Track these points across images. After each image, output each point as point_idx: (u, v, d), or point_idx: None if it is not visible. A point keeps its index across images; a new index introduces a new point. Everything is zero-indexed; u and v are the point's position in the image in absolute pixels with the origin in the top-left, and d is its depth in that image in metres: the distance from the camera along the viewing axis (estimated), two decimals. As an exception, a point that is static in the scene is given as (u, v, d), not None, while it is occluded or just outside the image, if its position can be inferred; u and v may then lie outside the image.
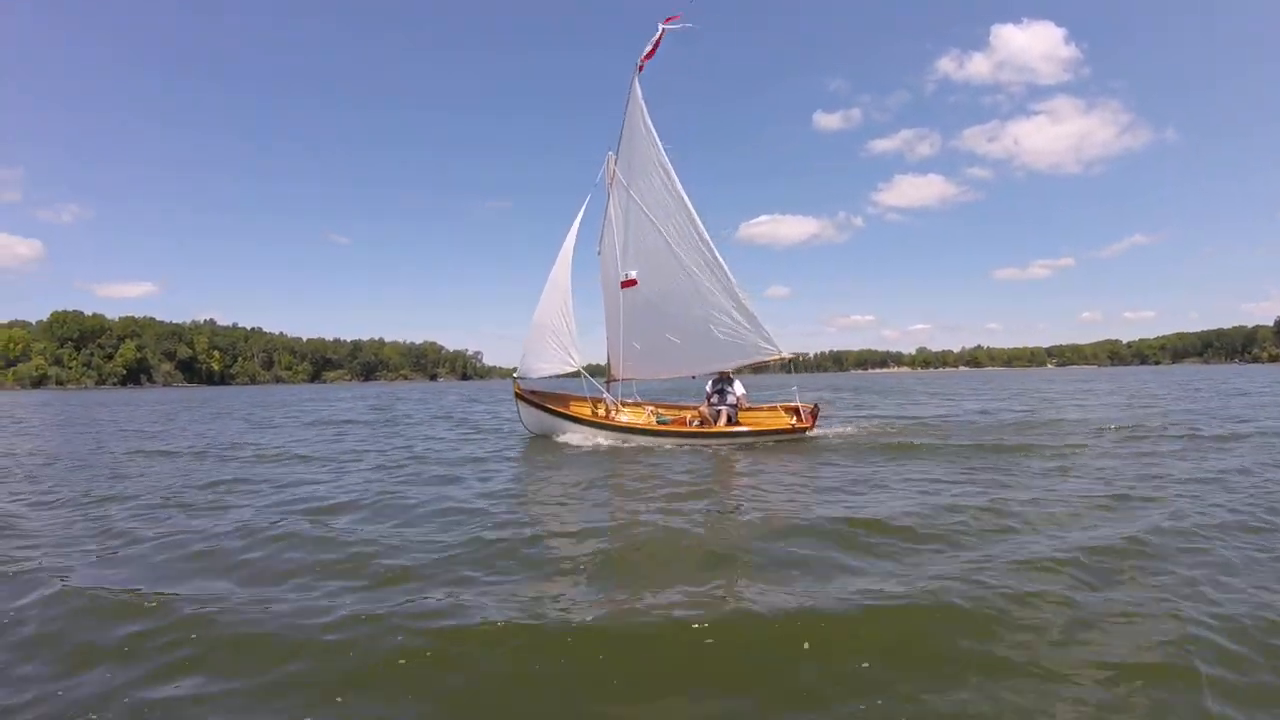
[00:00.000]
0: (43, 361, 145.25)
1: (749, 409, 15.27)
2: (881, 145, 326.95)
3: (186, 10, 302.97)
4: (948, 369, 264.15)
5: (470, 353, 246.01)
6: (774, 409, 15.30)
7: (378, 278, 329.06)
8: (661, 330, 15.26)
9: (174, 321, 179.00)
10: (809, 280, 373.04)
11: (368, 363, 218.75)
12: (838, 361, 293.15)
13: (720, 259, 14.84)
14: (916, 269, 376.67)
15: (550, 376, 15.68)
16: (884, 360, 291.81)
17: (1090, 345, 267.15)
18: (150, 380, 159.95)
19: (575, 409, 15.44)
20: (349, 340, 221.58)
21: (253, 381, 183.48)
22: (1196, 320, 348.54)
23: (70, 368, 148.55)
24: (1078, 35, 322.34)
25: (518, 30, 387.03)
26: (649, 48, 15.11)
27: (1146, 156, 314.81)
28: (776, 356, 15.10)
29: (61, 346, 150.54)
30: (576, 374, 15.47)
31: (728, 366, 15.11)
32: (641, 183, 15.21)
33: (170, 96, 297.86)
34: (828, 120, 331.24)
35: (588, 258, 16.06)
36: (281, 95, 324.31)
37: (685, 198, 14.91)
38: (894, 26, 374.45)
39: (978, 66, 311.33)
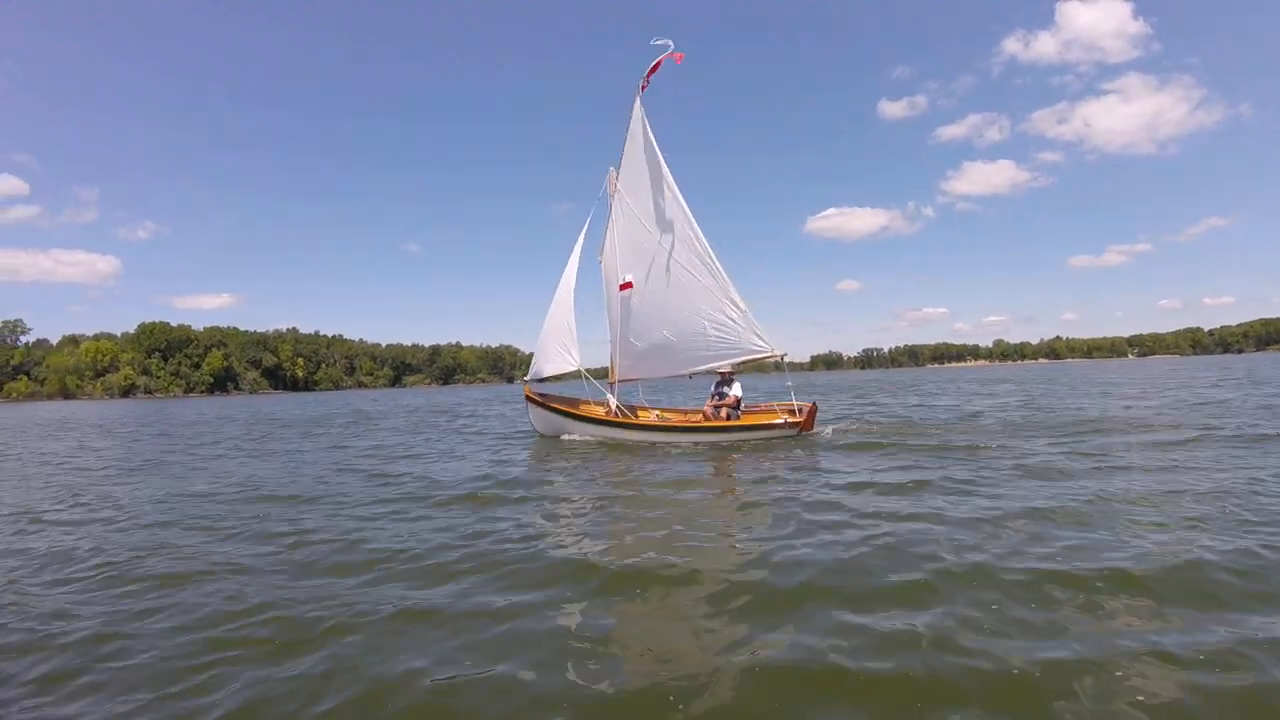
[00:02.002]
0: (131, 371, 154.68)
1: (748, 409, 16.19)
2: (949, 132, 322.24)
3: (258, 34, 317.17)
4: (1026, 361, 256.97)
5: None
6: (770, 409, 16.18)
7: (451, 284, 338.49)
8: (659, 328, 16.48)
9: (256, 330, 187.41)
10: (879, 273, 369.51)
11: (446, 367, 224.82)
12: (913, 356, 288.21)
13: (717, 261, 16.00)
14: (989, 259, 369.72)
15: (554, 377, 16.97)
16: (960, 354, 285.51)
17: (1171, 334, 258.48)
18: (236, 388, 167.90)
19: (585, 411, 16.68)
20: (427, 345, 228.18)
21: (336, 387, 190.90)
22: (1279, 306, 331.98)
23: (158, 377, 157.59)
24: (1146, 9, 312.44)
25: (578, 39, 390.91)
26: (648, 74, 16.45)
27: (1221, 134, 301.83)
28: (769, 355, 16.06)
29: (149, 357, 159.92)
30: (577, 374, 16.71)
31: (722, 364, 16.19)
32: (642, 193, 16.48)
33: (242, 118, 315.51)
34: (893, 109, 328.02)
35: (595, 266, 17.25)
36: (350, 115, 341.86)
37: (683, 204, 16.15)
38: (956, 8, 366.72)
39: (1044, 46, 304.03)
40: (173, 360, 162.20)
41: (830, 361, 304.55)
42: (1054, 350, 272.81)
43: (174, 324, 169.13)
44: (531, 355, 17.68)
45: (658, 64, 16.40)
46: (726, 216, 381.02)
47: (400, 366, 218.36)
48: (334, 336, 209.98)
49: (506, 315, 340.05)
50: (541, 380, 17.37)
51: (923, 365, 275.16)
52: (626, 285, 16.60)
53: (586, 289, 17.37)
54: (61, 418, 45.74)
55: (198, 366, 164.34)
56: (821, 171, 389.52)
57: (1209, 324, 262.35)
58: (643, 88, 16.62)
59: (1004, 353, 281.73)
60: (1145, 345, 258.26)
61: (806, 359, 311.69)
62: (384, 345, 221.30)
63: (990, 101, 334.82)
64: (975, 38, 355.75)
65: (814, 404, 16.19)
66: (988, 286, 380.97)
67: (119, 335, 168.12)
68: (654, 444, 15.29)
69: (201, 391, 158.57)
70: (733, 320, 15.97)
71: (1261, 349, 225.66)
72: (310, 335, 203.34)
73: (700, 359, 16.35)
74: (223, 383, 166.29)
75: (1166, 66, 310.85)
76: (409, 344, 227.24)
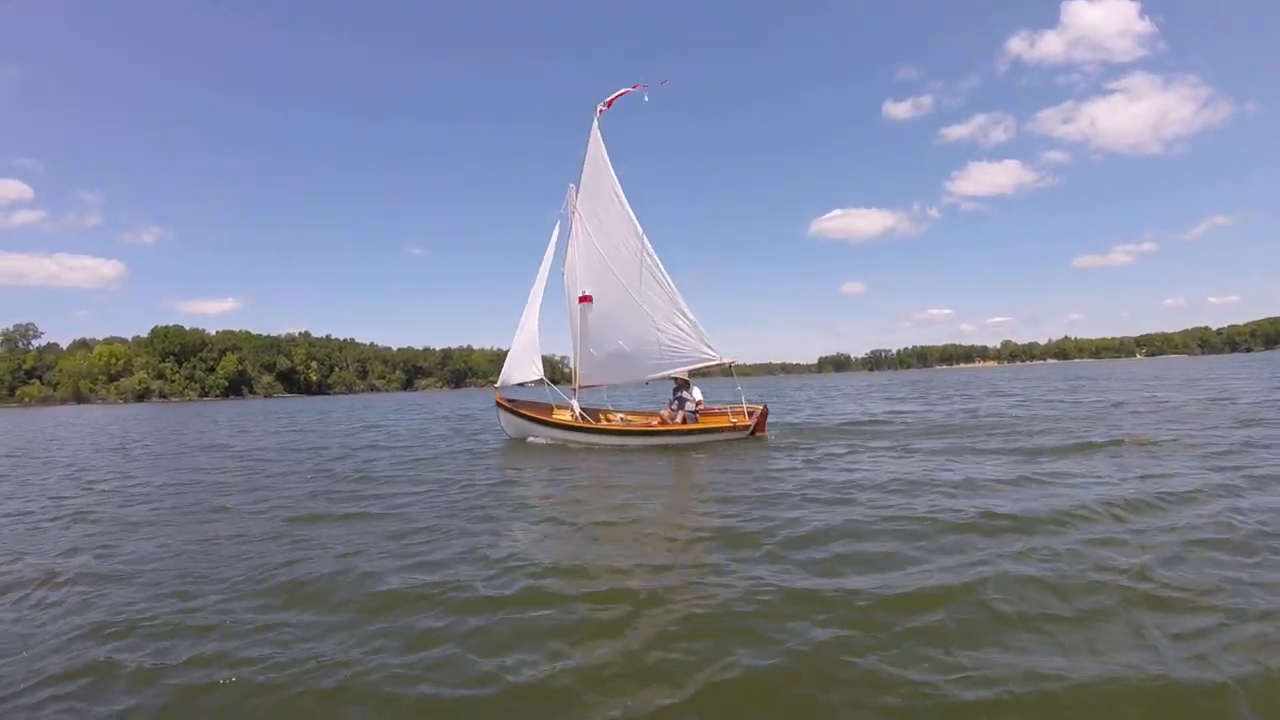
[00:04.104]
0: (145, 375, 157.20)
1: (705, 411, 17.36)
2: (954, 132, 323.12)
3: (260, 37, 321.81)
4: (1035, 362, 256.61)
5: (558, 358, 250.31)
6: (723, 412, 17.34)
7: (457, 287, 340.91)
8: (615, 339, 17.81)
9: (268, 334, 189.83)
10: (885, 275, 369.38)
11: (457, 370, 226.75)
12: (921, 358, 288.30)
13: (665, 274, 17.37)
14: (994, 260, 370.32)
15: (521, 384, 18.24)
16: (968, 355, 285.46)
17: (1180, 333, 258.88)
18: (251, 391, 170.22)
19: (557, 417, 17.91)
20: (438, 349, 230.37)
21: (349, 391, 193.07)
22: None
23: (173, 381, 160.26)
24: (1151, 8, 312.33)
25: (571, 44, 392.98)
26: (610, 99, 17.71)
27: (1227, 132, 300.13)
28: (716, 362, 17.31)
29: (163, 360, 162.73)
30: (541, 382, 17.96)
31: (675, 371, 17.46)
32: (598, 210, 17.81)
33: (245, 122, 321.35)
34: (898, 109, 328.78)
35: (561, 280, 18.51)
36: (351, 117, 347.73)
37: (635, 221, 17.50)
38: (960, 8, 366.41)
39: (1050, 45, 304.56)
40: (187, 364, 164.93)
41: (839, 363, 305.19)
42: (1063, 351, 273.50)
43: (188, 328, 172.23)
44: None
45: (621, 94, 17.75)
46: (731, 218, 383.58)
47: (412, 370, 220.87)
48: (346, 340, 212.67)
49: (516, 318, 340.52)
50: (520, 386, 18.70)
51: (931, 366, 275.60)
52: (585, 299, 17.90)
53: (555, 302, 18.75)
54: (116, 426, 39.49)
55: (212, 370, 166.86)
56: (826, 172, 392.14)
57: (1214, 323, 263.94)
58: (600, 111, 17.88)
59: (1012, 354, 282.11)
60: (1154, 345, 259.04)
61: (814, 360, 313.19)
62: (395, 349, 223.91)
63: (996, 101, 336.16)
64: (980, 37, 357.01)
65: (765, 407, 17.39)
66: (992, 288, 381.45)
67: (130, 339, 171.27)
68: (617, 446, 16.57)
69: (216, 395, 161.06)
70: (682, 330, 17.23)
71: (1270, 348, 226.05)
72: (323, 339, 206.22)
73: (654, 367, 17.59)
74: (237, 386, 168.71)
75: (1172, 65, 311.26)
76: (420, 347, 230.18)
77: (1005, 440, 14.54)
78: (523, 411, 18.14)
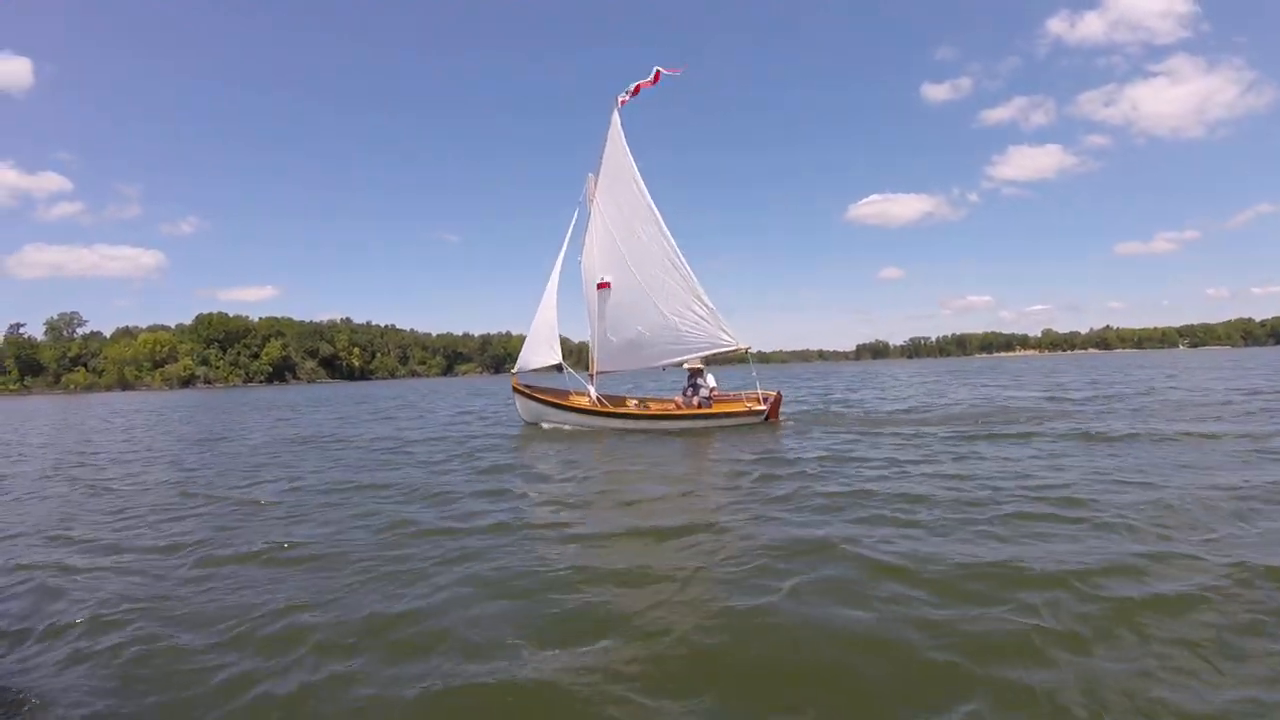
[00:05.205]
0: (190, 362, 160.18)
1: (720, 397, 17.65)
2: (994, 115, 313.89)
3: (296, 32, 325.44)
4: (1076, 351, 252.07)
5: (575, 342, 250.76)
6: (738, 398, 17.61)
7: (492, 273, 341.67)
8: (633, 325, 18.15)
9: (310, 320, 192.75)
10: (923, 261, 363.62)
11: (497, 356, 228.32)
12: (960, 345, 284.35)
13: (684, 261, 17.67)
14: (1034, 246, 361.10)
15: (538, 369, 18.63)
16: (1009, 343, 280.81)
17: (1222, 324, 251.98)
18: (295, 377, 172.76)
19: (572, 402, 18.31)
20: (477, 335, 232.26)
21: (391, 376, 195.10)
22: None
23: (218, 367, 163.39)
24: None
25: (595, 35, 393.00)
26: (630, 91, 17.97)
27: (1273, 117, 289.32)
28: (733, 348, 17.55)
29: (207, 347, 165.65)
30: (559, 367, 18.33)
31: (692, 357, 17.75)
32: (618, 198, 18.11)
33: (282, 117, 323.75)
34: (936, 91, 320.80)
35: (579, 267, 18.85)
36: (383, 110, 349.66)
37: (654, 209, 17.80)
38: None
39: (1090, 26, 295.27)
40: (231, 350, 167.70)
41: (877, 350, 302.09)
42: (1104, 340, 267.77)
43: (231, 314, 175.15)
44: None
45: (641, 85, 18.02)
46: (765, 205, 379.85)
47: (452, 355, 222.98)
48: (387, 326, 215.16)
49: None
50: (534, 371, 19.10)
51: (970, 354, 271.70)
52: (604, 285, 18.25)
53: (573, 288, 19.15)
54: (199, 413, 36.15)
55: (256, 356, 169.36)
56: (862, 157, 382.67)
57: (1258, 314, 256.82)
58: (621, 102, 18.17)
59: (1053, 342, 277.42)
60: (1196, 336, 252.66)
61: (851, 348, 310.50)
62: (435, 335, 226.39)
63: (1036, 83, 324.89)
64: (1019, 17, 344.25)
65: (779, 393, 17.61)
66: (1032, 275, 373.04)
67: (173, 327, 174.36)
68: (633, 430, 16.93)
69: (260, 381, 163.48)
70: (700, 317, 17.53)
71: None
72: (364, 325, 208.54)
73: (672, 353, 17.91)
74: (281, 372, 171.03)
75: (1215, 47, 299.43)
76: (460, 333, 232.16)
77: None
78: (538, 396, 18.58)
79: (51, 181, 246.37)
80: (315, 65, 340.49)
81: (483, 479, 10.82)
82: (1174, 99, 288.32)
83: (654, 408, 18.49)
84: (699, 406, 17.36)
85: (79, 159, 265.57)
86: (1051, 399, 22.34)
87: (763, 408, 17.10)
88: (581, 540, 6.96)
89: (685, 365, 17.98)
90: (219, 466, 13.62)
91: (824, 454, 12.04)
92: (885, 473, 9.98)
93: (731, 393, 18.06)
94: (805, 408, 22.23)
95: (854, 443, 13.53)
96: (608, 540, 7.01)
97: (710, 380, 17.78)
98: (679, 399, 17.99)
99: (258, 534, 7.57)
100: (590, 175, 18.58)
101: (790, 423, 17.62)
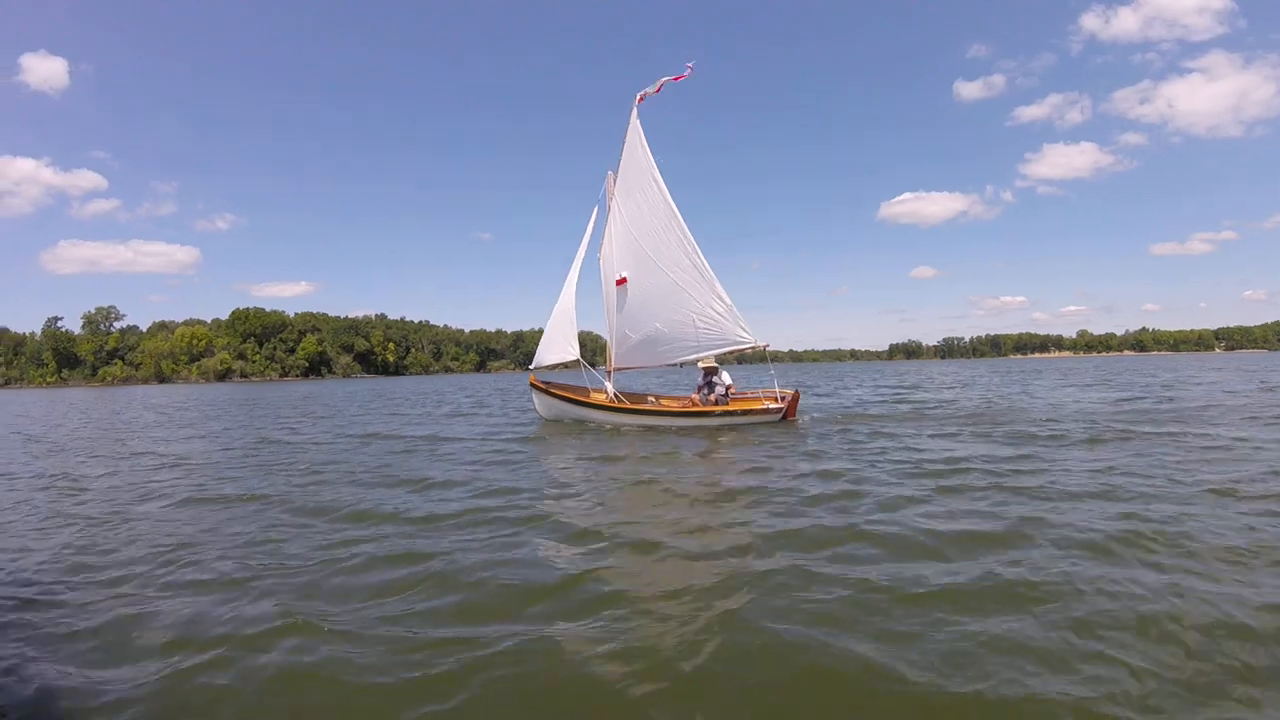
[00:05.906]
0: (227, 356, 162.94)
1: (737, 396, 17.67)
2: (1029, 113, 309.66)
3: (330, 33, 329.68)
4: (1111, 353, 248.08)
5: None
6: (755, 396, 17.62)
7: (523, 271, 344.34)
8: (651, 321, 18.22)
9: (346, 316, 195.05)
10: (957, 260, 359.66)
11: (528, 353, 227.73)
12: (995, 346, 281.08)
13: (702, 258, 17.72)
14: (1068, 246, 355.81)
15: (555, 365, 18.74)
16: (1044, 344, 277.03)
17: (1259, 327, 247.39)
18: (330, 372, 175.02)
19: (590, 398, 18.41)
20: (510, 331, 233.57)
21: (425, 372, 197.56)
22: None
23: (254, 361, 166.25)
24: None
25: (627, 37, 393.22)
26: (659, 84, 18.03)
27: None
28: (750, 345, 17.53)
29: (244, 341, 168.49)
30: (576, 363, 18.44)
31: (710, 354, 17.79)
32: (638, 196, 18.17)
33: (317, 114, 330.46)
34: (969, 89, 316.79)
35: (597, 264, 18.95)
36: (420, 109, 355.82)
37: (674, 208, 17.83)
38: None
39: (1125, 22, 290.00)
40: (267, 345, 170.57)
41: (910, 350, 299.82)
42: (1140, 342, 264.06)
43: (268, 309, 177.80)
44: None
45: (662, 83, 18.07)
46: (797, 202, 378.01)
47: (485, 352, 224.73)
48: (421, 322, 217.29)
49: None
50: (550, 367, 19.24)
51: (1005, 356, 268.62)
52: (622, 281, 18.33)
53: (592, 285, 19.25)
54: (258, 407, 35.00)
55: (292, 351, 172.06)
56: (895, 154, 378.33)
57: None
58: (640, 100, 18.25)
59: (1088, 344, 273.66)
60: (1233, 339, 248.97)
61: (884, 347, 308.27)
62: (468, 331, 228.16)
63: (1070, 81, 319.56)
64: (1053, 14, 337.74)
65: (796, 392, 17.58)
66: (1067, 275, 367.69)
67: (209, 321, 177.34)
68: (650, 427, 17.00)
69: (296, 376, 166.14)
70: (718, 314, 17.53)
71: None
72: (398, 321, 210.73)
73: (689, 349, 17.95)
74: (316, 367, 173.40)
75: (1252, 44, 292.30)
76: (492, 330, 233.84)
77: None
78: (557, 392, 18.71)
79: (87, 179, 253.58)
80: (352, 65, 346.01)
81: (498, 476, 10.86)
82: (1210, 96, 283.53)
83: (671, 405, 18.57)
84: (716, 404, 17.40)
85: (114, 157, 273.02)
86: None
87: (780, 406, 17.09)
88: (597, 538, 6.87)
89: (700, 364, 17.99)
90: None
91: (843, 452, 12.08)
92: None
93: (748, 391, 18.07)
94: (862, 407, 22.15)
95: (888, 441, 13.56)
96: (623, 537, 6.89)
97: (726, 378, 17.78)
98: (695, 396, 18.03)
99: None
100: (610, 172, 18.69)
101: (807, 418, 17.63)
